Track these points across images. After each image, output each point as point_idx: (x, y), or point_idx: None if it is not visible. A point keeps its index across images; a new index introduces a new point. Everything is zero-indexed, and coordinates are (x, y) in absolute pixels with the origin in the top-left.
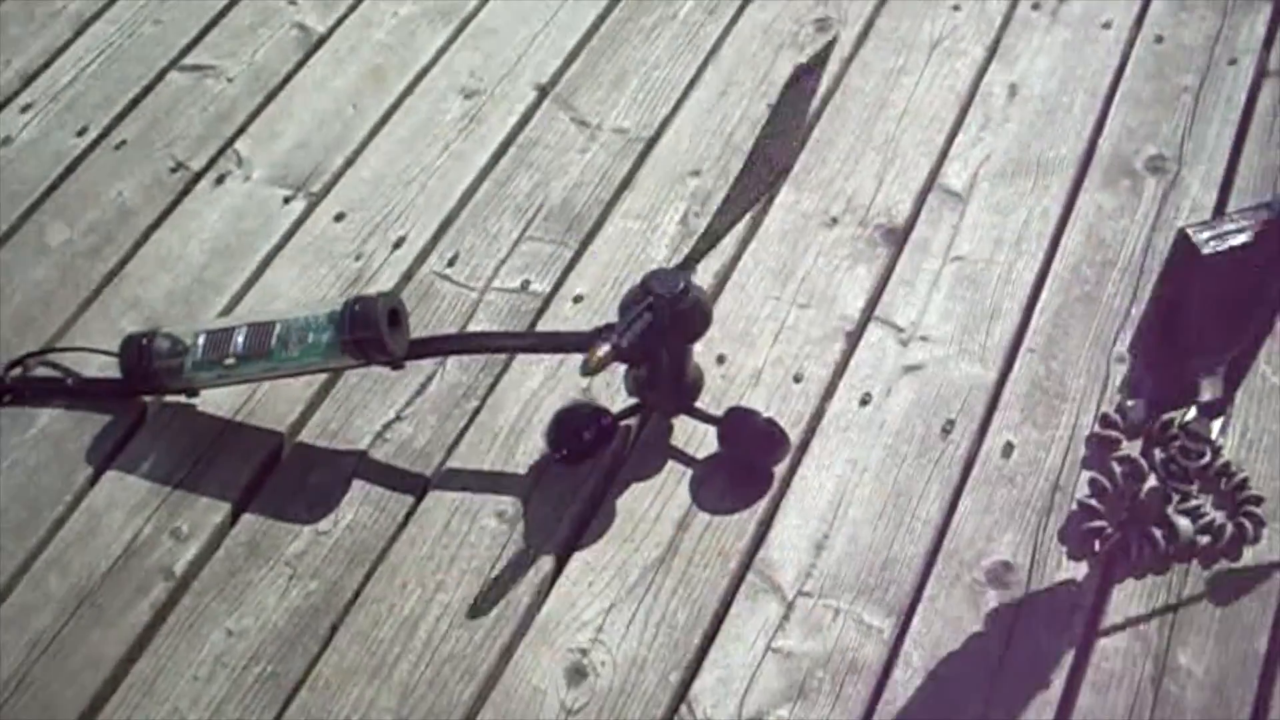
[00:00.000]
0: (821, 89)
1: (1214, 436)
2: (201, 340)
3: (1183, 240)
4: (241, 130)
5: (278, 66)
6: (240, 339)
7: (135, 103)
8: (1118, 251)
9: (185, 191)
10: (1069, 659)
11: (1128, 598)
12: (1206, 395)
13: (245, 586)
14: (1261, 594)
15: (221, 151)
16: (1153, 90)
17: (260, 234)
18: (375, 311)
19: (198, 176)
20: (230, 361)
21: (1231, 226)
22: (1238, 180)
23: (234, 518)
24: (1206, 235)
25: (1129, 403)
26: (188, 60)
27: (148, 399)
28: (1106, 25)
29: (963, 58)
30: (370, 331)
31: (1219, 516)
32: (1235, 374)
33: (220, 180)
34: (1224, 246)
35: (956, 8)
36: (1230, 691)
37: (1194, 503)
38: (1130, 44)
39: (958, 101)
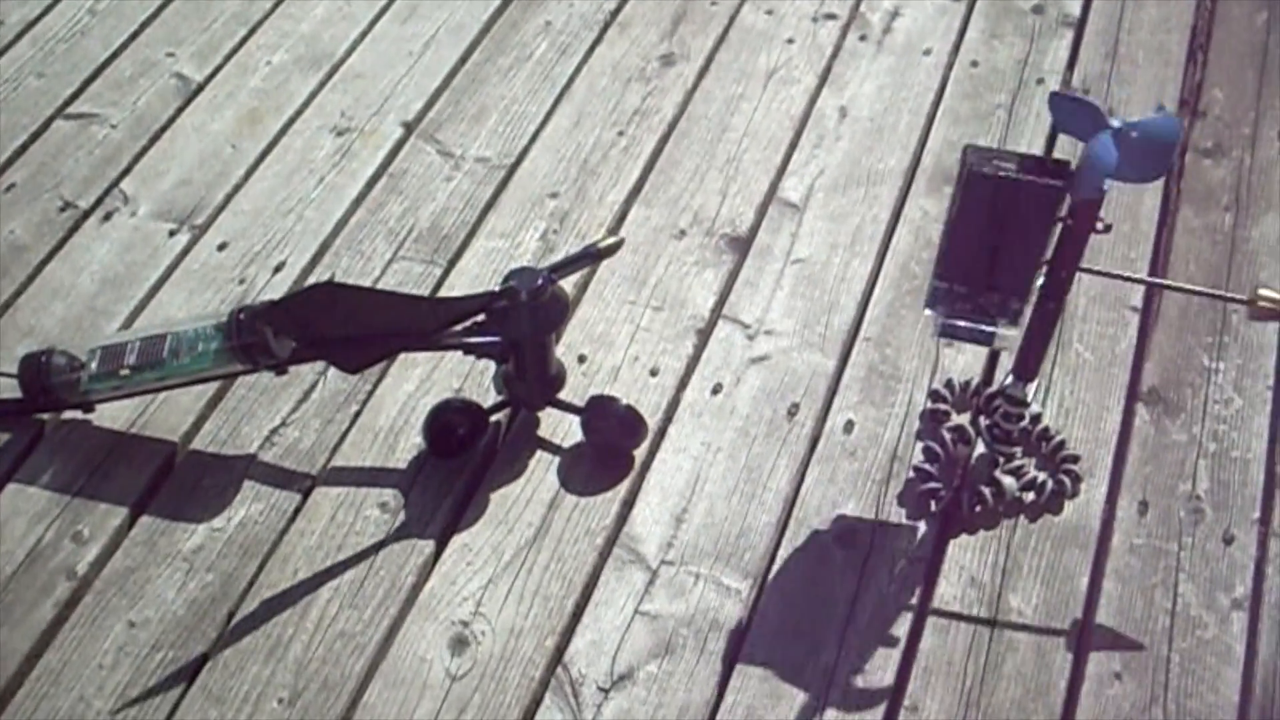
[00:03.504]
0: (668, 116)
1: (1029, 399)
2: (97, 354)
3: (962, 155)
4: (126, 171)
5: (159, 113)
6: (133, 351)
7: (23, 149)
8: None
9: (74, 228)
10: (912, 607)
11: (963, 551)
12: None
13: (145, 582)
14: (1081, 542)
15: (108, 191)
16: (970, 108)
17: (148, 264)
18: (259, 318)
19: (86, 214)
20: (125, 372)
21: (1009, 163)
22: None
23: (132, 520)
24: (980, 156)
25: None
26: (72, 109)
27: (45, 416)
28: (927, 52)
29: (797, 85)
30: (255, 336)
31: (1041, 475)
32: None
33: (108, 217)
34: (991, 171)
35: (790, 40)
36: (1057, 626)
37: (1018, 463)
38: (949, 68)
39: (793, 124)
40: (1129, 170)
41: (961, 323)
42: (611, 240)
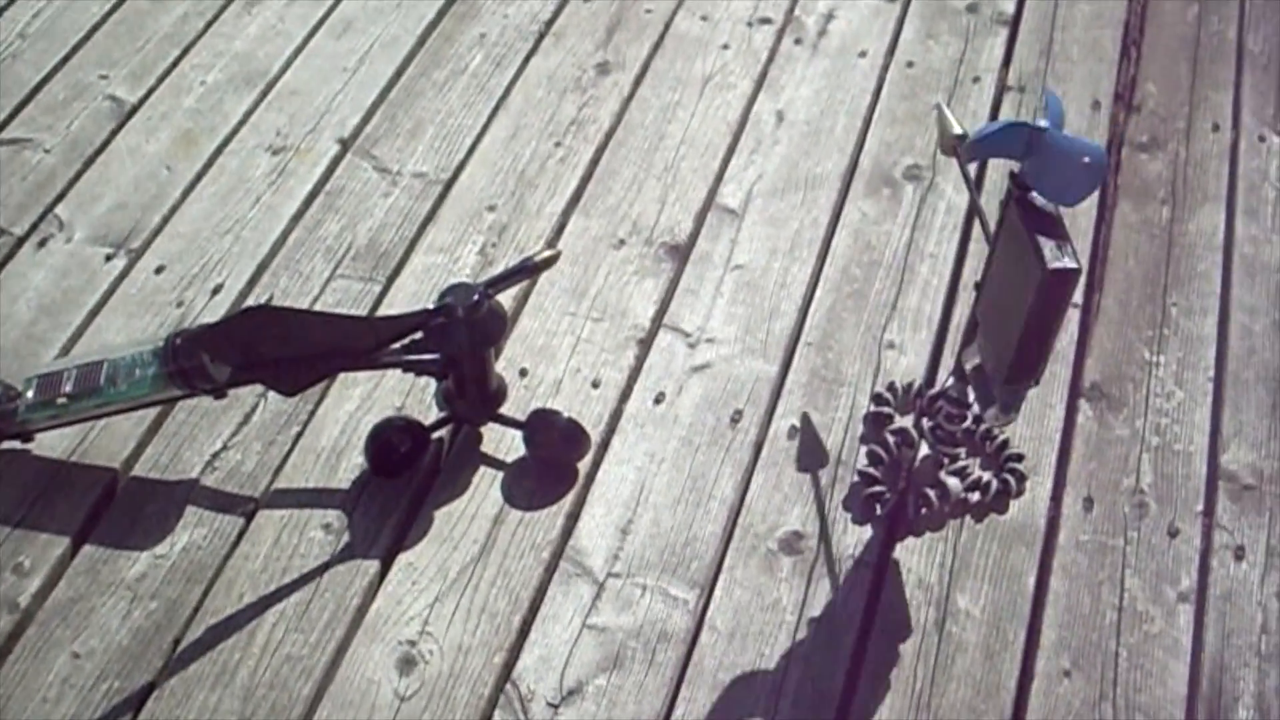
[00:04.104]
0: (605, 125)
1: (970, 400)
2: (34, 383)
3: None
4: (61, 196)
5: (93, 136)
6: (70, 379)
7: None
8: (882, 252)
9: (9, 256)
10: (859, 612)
11: (909, 554)
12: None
13: (89, 612)
14: (1027, 540)
15: (43, 217)
16: (906, 109)
17: (85, 290)
18: (196, 343)
19: (20, 241)
20: (63, 401)
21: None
22: (986, 183)
23: (74, 550)
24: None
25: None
26: (4, 134)
27: None
28: (862, 54)
29: (733, 90)
30: (192, 361)
31: (985, 475)
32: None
33: (43, 243)
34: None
35: (725, 46)
36: (1005, 626)
37: (962, 464)
38: (884, 69)
39: (730, 130)
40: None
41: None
42: (548, 253)
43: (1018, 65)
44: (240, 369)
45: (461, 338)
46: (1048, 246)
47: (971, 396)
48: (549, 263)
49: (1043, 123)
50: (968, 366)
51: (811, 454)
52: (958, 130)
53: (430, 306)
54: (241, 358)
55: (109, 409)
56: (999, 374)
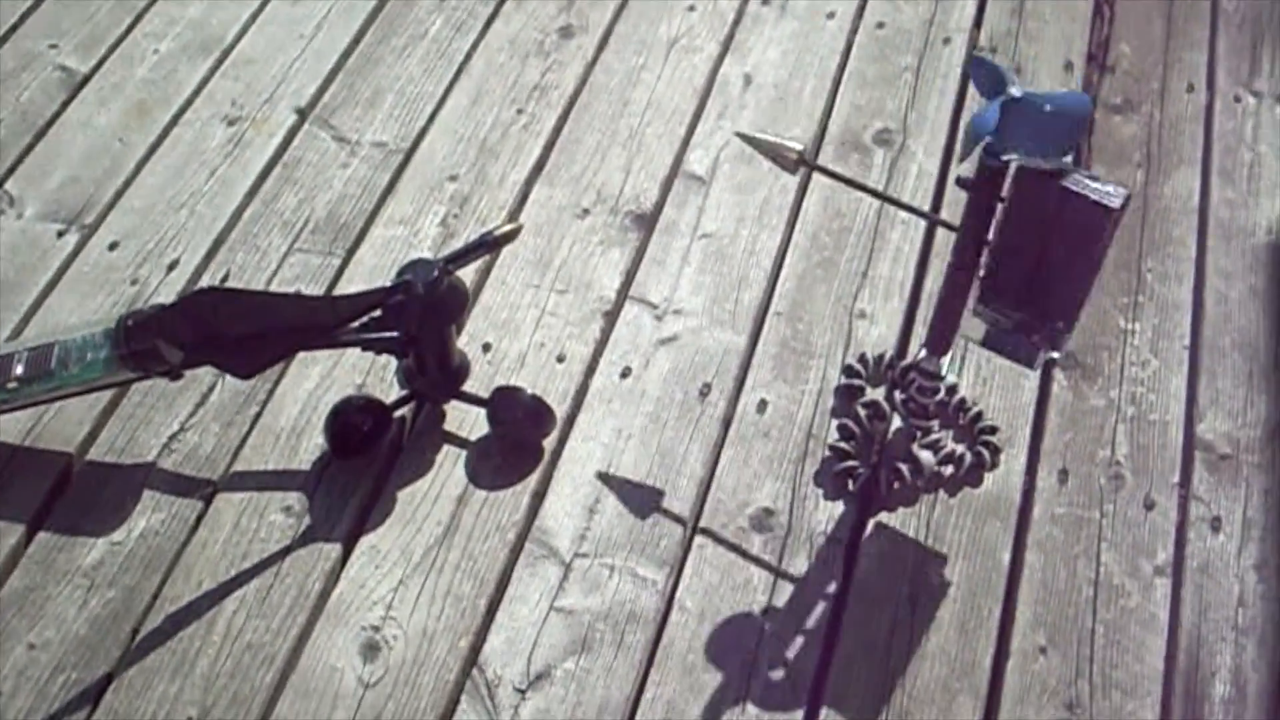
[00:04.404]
0: (568, 90)
1: (944, 372)
2: None
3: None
4: (11, 171)
5: (43, 108)
6: (21, 362)
7: None
8: (852, 218)
9: None
10: (832, 590)
11: (882, 530)
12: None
13: (44, 601)
14: (1001, 514)
15: None
16: (876, 71)
17: (37, 268)
18: (149, 324)
19: None
20: (13, 385)
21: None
22: (956, 147)
23: (28, 538)
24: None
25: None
26: None
27: None
28: (830, 15)
29: (699, 53)
30: (145, 344)
31: (959, 448)
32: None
33: None
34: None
35: (691, 8)
36: (980, 602)
37: (935, 437)
38: (854, 31)
39: (696, 94)
40: (1028, 143)
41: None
42: (509, 227)
43: (989, 26)
44: (193, 351)
45: (421, 316)
46: (1091, 189)
47: (945, 365)
48: (510, 237)
49: (1016, 91)
50: (976, 338)
51: None
52: (795, 145)
53: (388, 284)
54: (195, 340)
55: (61, 393)
56: (1059, 323)
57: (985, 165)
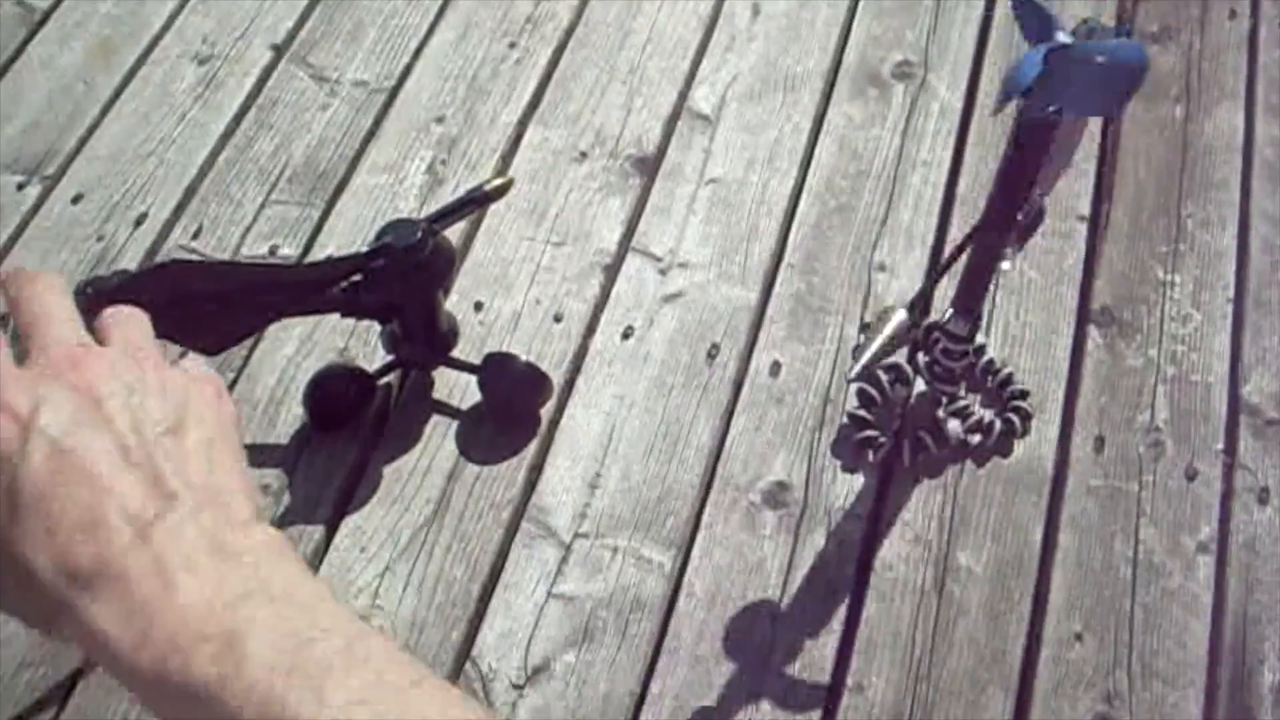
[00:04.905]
0: (564, 22)
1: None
2: None
3: None
4: None
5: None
6: None
7: None
8: (870, 161)
9: None
10: (851, 573)
11: (905, 505)
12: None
13: None
14: (1034, 486)
15: None
16: None
17: None
18: (104, 298)
19: None
20: None
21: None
22: (983, 80)
23: None
24: None
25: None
26: None
27: None
28: None
29: None
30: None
31: (988, 414)
32: None
33: None
34: None
35: None
36: (1010, 584)
37: (962, 403)
38: None
39: (701, 25)
40: (1076, 100)
41: None
42: (499, 181)
43: None
44: (156, 327)
45: (405, 280)
46: None
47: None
48: (501, 192)
49: (1065, 37)
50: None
51: None
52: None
53: (367, 249)
54: (157, 315)
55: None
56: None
57: (1029, 119)
